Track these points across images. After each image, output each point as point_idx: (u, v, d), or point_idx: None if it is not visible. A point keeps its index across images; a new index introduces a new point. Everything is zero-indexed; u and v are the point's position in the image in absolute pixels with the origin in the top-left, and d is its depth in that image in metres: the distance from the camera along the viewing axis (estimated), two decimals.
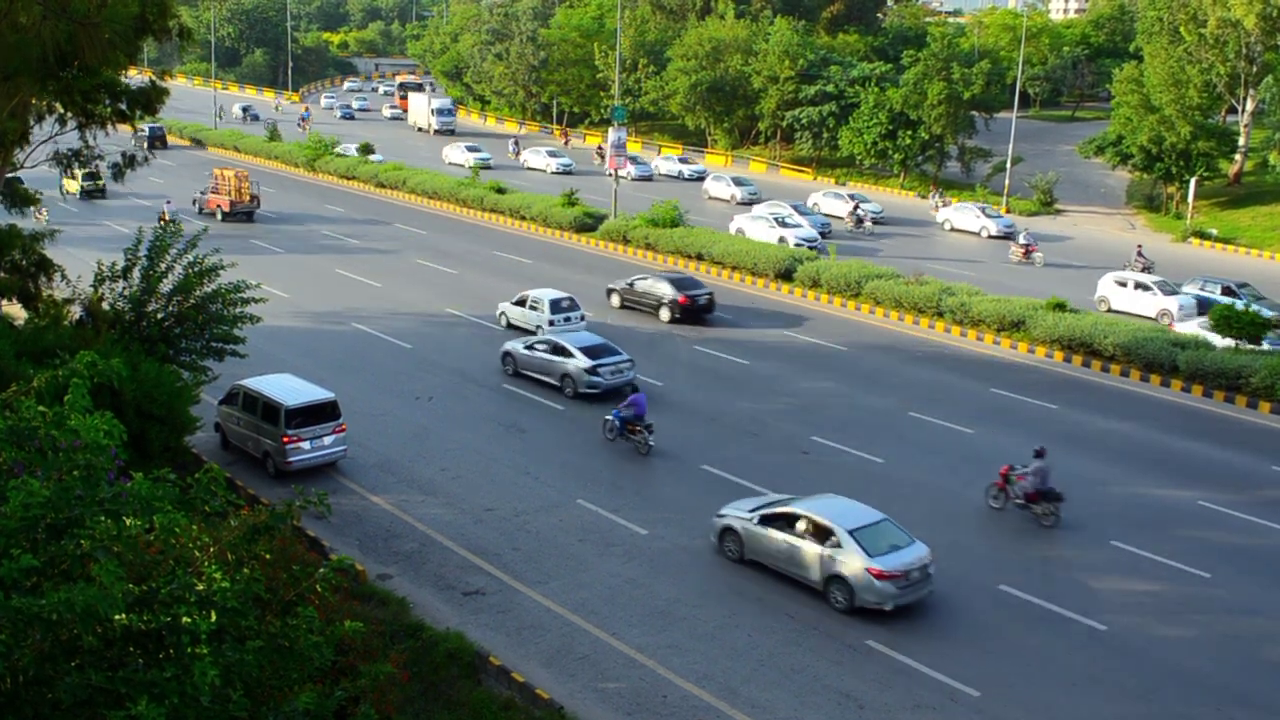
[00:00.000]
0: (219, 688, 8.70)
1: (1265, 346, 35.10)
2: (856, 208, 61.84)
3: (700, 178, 77.85)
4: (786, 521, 21.59)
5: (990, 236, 60.65)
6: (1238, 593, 21.96)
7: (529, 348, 33.07)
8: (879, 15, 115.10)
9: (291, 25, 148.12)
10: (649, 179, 79.28)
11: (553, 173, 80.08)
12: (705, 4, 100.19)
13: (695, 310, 40.38)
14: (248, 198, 56.76)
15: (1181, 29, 68.93)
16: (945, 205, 65.94)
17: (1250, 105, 69.60)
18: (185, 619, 8.93)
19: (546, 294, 38.06)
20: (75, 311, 25.70)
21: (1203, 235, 60.49)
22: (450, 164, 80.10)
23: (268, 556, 10.86)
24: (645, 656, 19.04)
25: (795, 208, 58.71)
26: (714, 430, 29.69)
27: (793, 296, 44.79)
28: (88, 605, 8.32)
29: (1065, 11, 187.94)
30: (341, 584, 13.36)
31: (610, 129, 59.00)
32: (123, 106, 25.18)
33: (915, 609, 20.68)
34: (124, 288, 26.60)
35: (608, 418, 28.73)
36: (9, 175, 26.19)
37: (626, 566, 22.17)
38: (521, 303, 38.13)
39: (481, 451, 27.81)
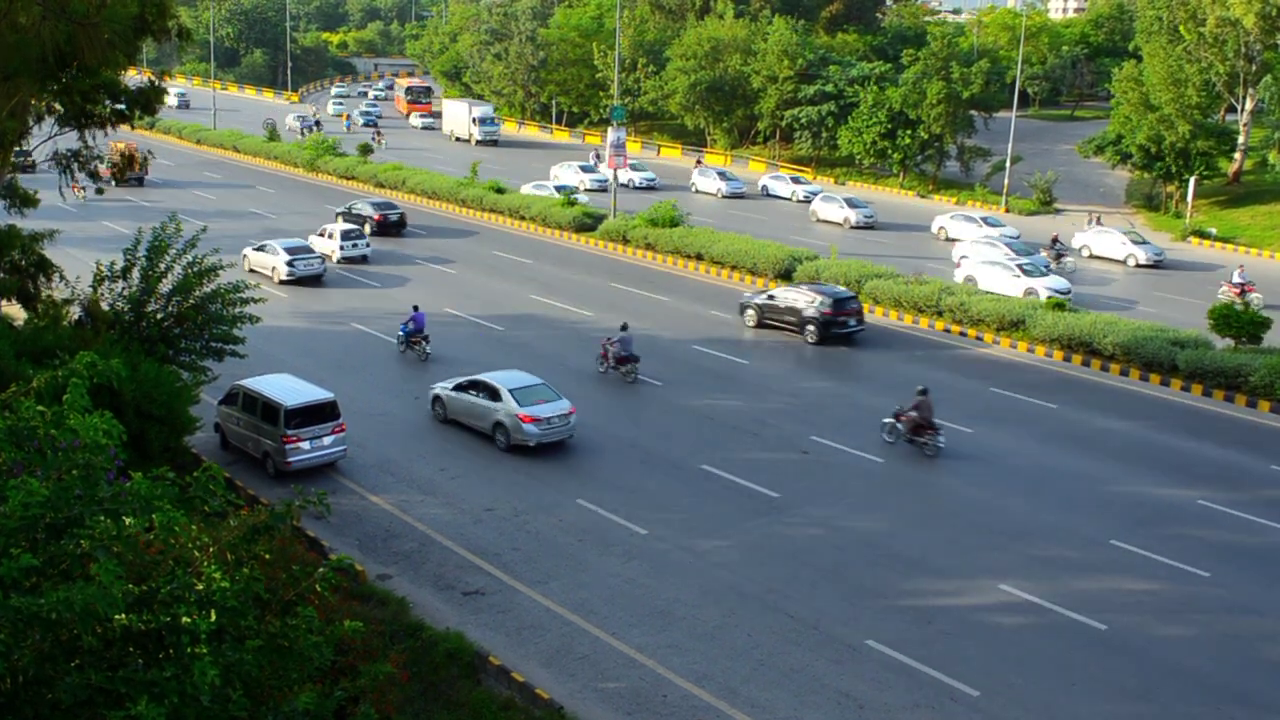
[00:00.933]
0: (219, 687, 8.70)
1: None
2: (1055, 241, 52.73)
3: (807, 199, 68.56)
4: (473, 387, 28.64)
5: (1138, 265, 53.43)
6: (1237, 592, 21.97)
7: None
8: (878, 14, 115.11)
9: (290, 25, 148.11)
10: (740, 196, 71.14)
11: (724, 196, 70.70)
12: (704, 3, 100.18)
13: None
14: (137, 166, 58.69)
15: (1181, 28, 68.97)
16: (1096, 225, 57.99)
17: (1249, 104, 69.61)
18: (185, 619, 8.93)
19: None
20: (74, 312, 25.71)
21: (1202, 234, 60.50)
22: (562, 188, 64.05)
23: (267, 556, 10.85)
24: (645, 656, 19.04)
25: (1008, 243, 49.89)
26: (713, 430, 29.69)
27: None
28: (87, 605, 8.31)
29: (1064, 10, 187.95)
30: (341, 584, 13.37)
31: (609, 129, 58.99)
32: (122, 107, 25.19)
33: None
34: (123, 288, 26.60)
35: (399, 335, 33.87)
36: (8, 176, 26.18)
37: (626, 566, 22.17)
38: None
39: (481, 451, 27.81)
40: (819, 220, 63.21)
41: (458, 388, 29.03)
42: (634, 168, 73.05)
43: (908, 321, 41.12)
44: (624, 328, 33.51)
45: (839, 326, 36.06)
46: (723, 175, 73.15)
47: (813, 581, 21.74)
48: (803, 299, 37.54)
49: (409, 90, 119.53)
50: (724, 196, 70.77)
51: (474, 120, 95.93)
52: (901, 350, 37.83)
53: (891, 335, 39.78)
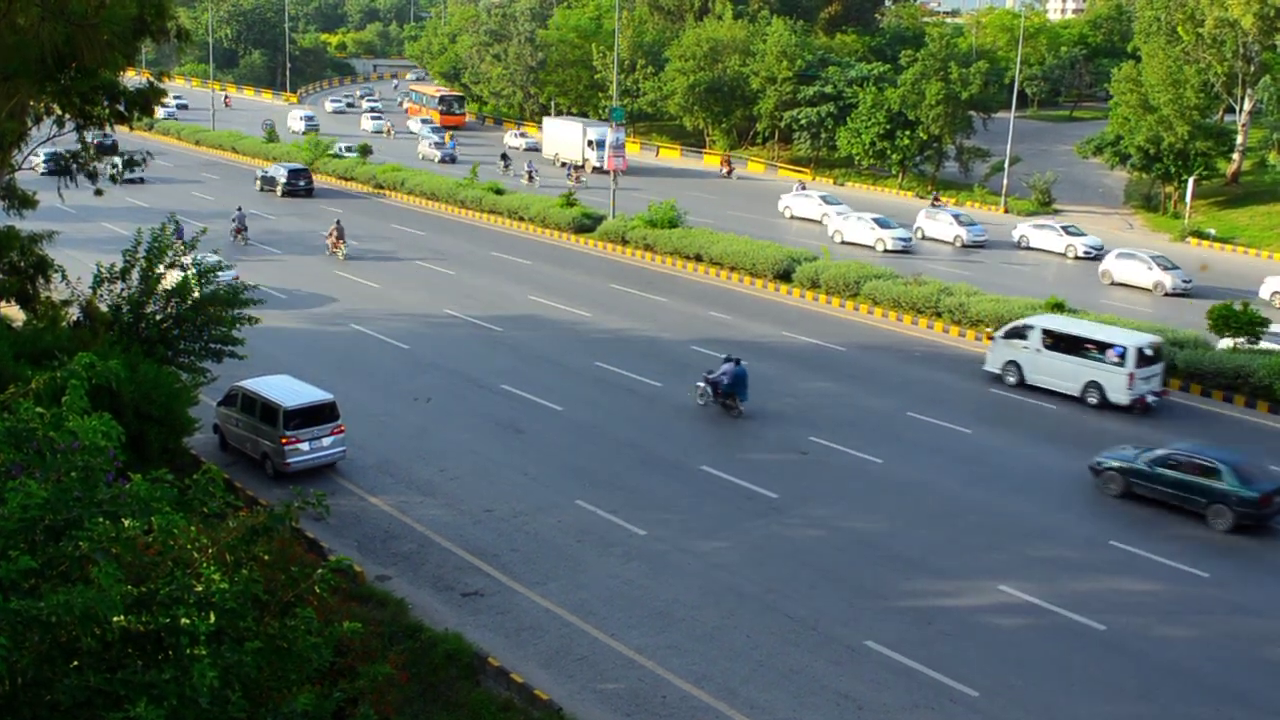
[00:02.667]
0: (218, 689, 8.70)
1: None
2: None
3: (1095, 255, 54.37)
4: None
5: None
6: (1237, 592, 21.98)
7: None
8: (877, 16, 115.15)
9: (289, 26, 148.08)
10: (982, 245, 57.23)
11: (964, 245, 57.09)
12: (703, 4, 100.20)
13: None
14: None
15: (1179, 29, 69.01)
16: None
17: (1248, 105, 69.66)
18: (184, 620, 8.93)
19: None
20: (73, 313, 25.69)
21: (1201, 235, 60.52)
22: (850, 242, 56.02)
23: (266, 558, 10.85)
24: (644, 657, 19.04)
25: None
26: (712, 431, 29.68)
27: (791, 297, 44.80)
28: (86, 607, 8.32)
29: (1063, 11, 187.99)
30: (340, 585, 13.36)
31: (608, 129, 58.99)
32: (121, 108, 25.18)
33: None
34: (122, 289, 26.59)
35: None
36: (6, 177, 26.16)
37: (625, 567, 22.17)
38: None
39: (480, 452, 27.81)
40: (1115, 283, 49.63)
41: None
42: (826, 200, 63.16)
43: (906, 322, 41.12)
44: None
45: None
46: (959, 219, 59.02)
47: (812, 582, 21.74)
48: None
49: (443, 100, 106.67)
50: (964, 245, 56.82)
51: (591, 143, 79.87)
52: (900, 350, 37.82)
53: (890, 335, 39.78)
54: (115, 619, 8.70)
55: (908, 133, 72.57)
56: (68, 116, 25.10)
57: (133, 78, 28.15)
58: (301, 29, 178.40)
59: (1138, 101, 65.17)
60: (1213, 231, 60.84)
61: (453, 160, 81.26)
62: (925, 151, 74.55)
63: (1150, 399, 32.13)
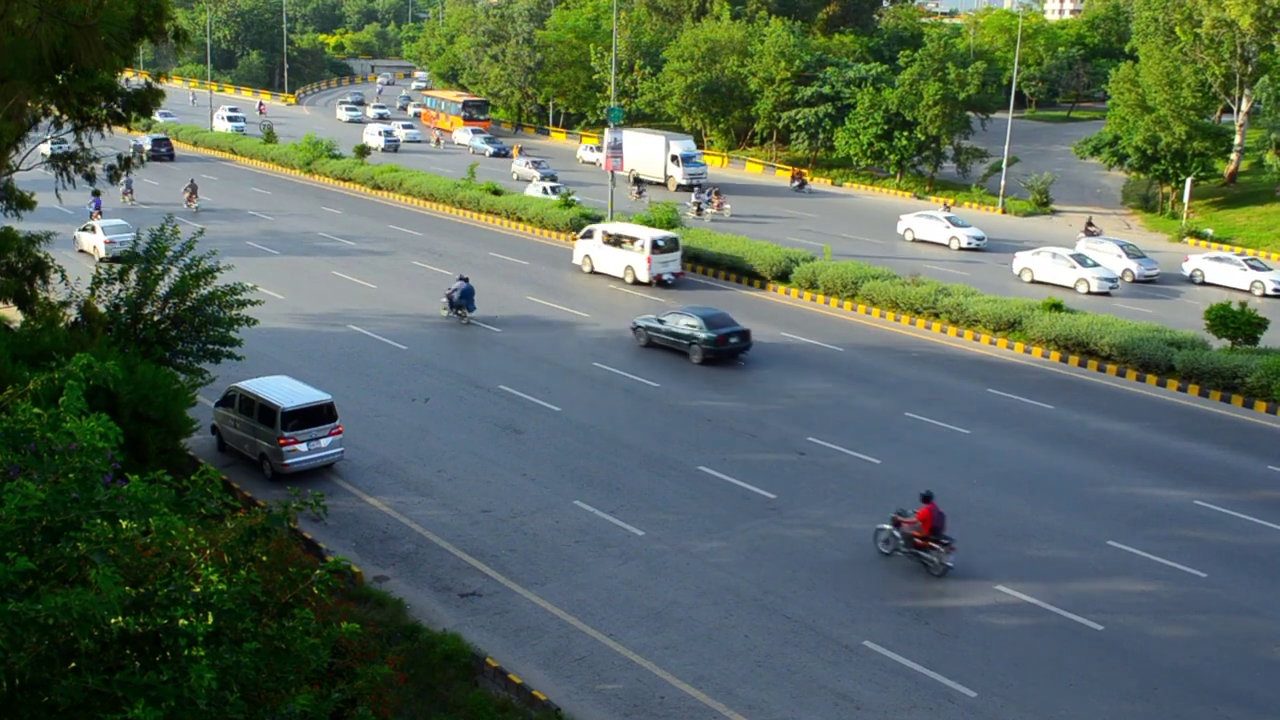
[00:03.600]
0: (216, 690, 8.70)
1: None
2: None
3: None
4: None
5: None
6: (1234, 592, 22.00)
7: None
8: (875, 16, 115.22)
9: (288, 27, 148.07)
10: (1151, 280, 50.38)
11: (1135, 280, 49.91)
12: (701, 5, 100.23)
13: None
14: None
15: (1177, 29, 69.06)
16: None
17: (1245, 105, 69.71)
18: (182, 621, 8.92)
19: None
20: (71, 314, 25.68)
21: (1198, 235, 60.55)
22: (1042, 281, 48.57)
23: (264, 559, 10.86)
24: (642, 657, 19.04)
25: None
26: (710, 431, 29.69)
27: (789, 297, 44.81)
28: (84, 608, 8.31)
29: (1061, 12, 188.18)
30: (338, 586, 13.35)
31: (606, 130, 59.00)
32: (119, 109, 25.17)
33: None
34: (121, 290, 26.59)
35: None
36: (4, 178, 26.15)
37: (623, 568, 22.17)
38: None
39: (478, 453, 27.81)
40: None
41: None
42: (954, 222, 57.95)
43: (904, 322, 41.14)
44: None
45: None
46: (1128, 250, 51.36)
47: (810, 582, 21.75)
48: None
49: (466, 105, 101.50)
50: (1135, 281, 50.28)
51: (674, 158, 73.57)
52: (898, 351, 37.84)
53: (888, 336, 39.80)
54: (113, 620, 8.69)
55: (905, 133, 72.61)
56: (65, 117, 25.09)
57: (130, 78, 28.15)
58: (299, 30, 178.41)
59: (1135, 102, 65.22)
60: (1210, 231, 60.87)
61: (554, 181, 67.75)
62: (923, 152, 74.60)
63: (667, 277, 45.26)
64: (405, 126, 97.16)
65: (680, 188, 72.53)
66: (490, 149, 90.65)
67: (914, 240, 58.13)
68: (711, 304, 39.90)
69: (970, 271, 49.95)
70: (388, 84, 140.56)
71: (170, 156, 77.73)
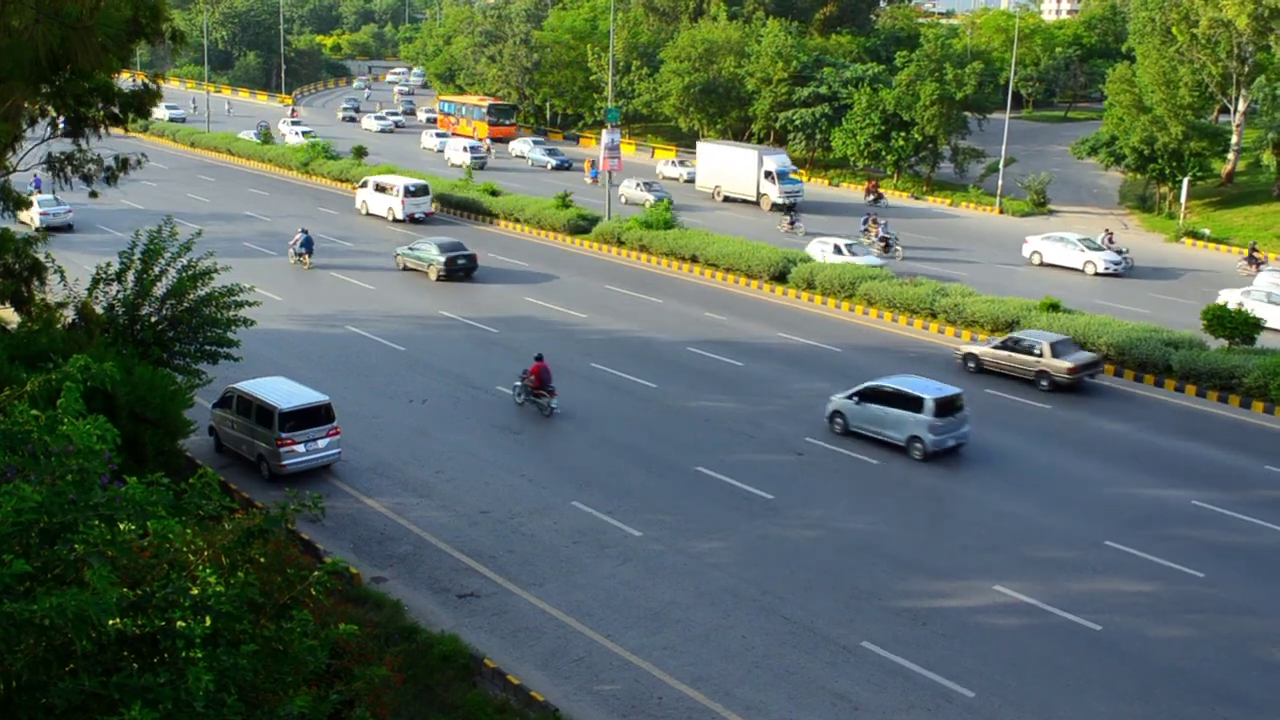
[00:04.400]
0: (213, 692, 8.69)
1: None
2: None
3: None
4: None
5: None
6: (1232, 592, 22.01)
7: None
8: (872, 16, 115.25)
9: (284, 28, 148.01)
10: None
11: None
12: (698, 6, 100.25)
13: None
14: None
15: (1174, 29, 69.10)
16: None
17: (1242, 105, 69.78)
18: (179, 623, 8.92)
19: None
20: (68, 315, 25.65)
21: (1196, 235, 60.60)
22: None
23: (262, 560, 10.84)
24: (640, 658, 19.04)
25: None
26: (708, 432, 29.69)
27: (786, 298, 44.82)
28: (81, 610, 8.30)
29: (1058, 12, 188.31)
30: (336, 587, 13.35)
31: (604, 131, 59.00)
32: (115, 110, 25.14)
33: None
34: (118, 291, 26.57)
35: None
36: (1, 179, 26.11)
37: (621, 568, 22.17)
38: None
39: (476, 454, 27.80)
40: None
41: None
42: (1089, 245, 52.57)
43: (902, 323, 41.15)
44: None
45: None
46: None
47: (808, 583, 21.75)
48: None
49: (492, 109, 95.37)
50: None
51: (769, 175, 65.81)
52: (896, 351, 37.84)
53: (886, 336, 39.82)
54: (110, 622, 8.68)
55: (903, 134, 72.62)
56: (62, 119, 25.05)
57: (127, 79, 28.13)
58: (296, 31, 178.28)
59: (1132, 102, 65.26)
60: (1208, 231, 60.93)
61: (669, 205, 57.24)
62: (920, 152, 74.59)
63: (419, 215, 57.50)
64: (439, 135, 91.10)
65: (775, 207, 64.83)
66: (552, 161, 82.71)
67: (1041, 264, 52.66)
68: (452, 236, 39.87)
69: (1111, 300, 45.37)
70: (366, 88, 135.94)
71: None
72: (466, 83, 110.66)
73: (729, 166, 68.85)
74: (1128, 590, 21.96)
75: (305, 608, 10.52)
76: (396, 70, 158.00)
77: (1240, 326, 35.55)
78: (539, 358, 30.67)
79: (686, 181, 74.04)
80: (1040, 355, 34.06)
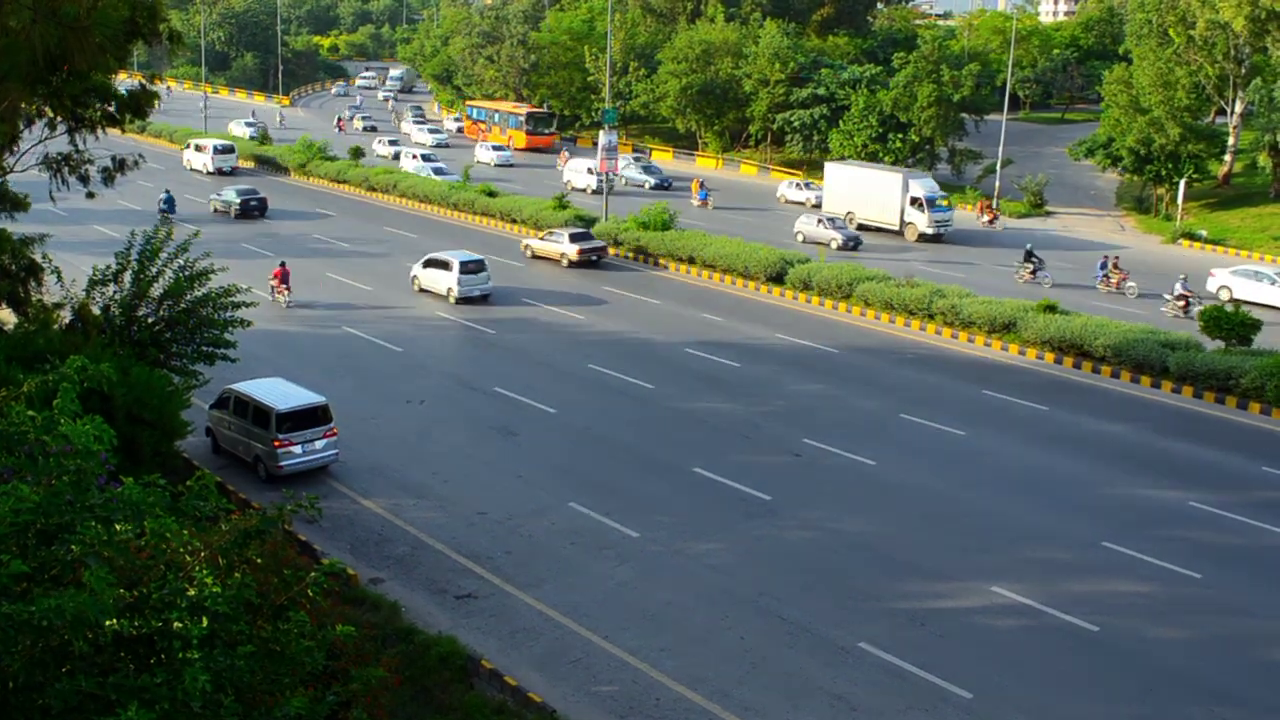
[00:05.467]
0: (210, 693, 8.69)
1: None
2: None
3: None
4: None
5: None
6: (1229, 593, 22.02)
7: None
8: (869, 18, 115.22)
9: (282, 29, 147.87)
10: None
11: None
12: (695, 7, 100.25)
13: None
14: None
15: (1170, 31, 69.19)
16: None
17: (1239, 107, 69.86)
18: (176, 624, 8.91)
19: None
20: (65, 316, 25.62)
21: (1192, 237, 60.65)
22: None
23: (259, 561, 10.84)
24: (638, 659, 19.03)
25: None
26: (706, 433, 29.69)
27: (784, 299, 44.83)
28: (78, 611, 8.30)
29: (1055, 14, 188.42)
30: (333, 588, 13.34)
31: (601, 132, 59.02)
32: (113, 110, 25.13)
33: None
34: (115, 292, 26.54)
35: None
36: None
37: (619, 569, 22.16)
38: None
39: (473, 455, 27.79)
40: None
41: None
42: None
43: (899, 324, 41.16)
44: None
45: None
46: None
47: (805, 584, 21.75)
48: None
49: (531, 117, 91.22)
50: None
51: (915, 201, 58.15)
52: (893, 352, 37.86)
53: (883, 337, 39.83)
54: (107, 623, 8.68)
55: (900, 135, 72.67)
56: (59, 119, 25.04)
57: (125, 80, 28.13)
58: (294, 32, 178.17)
59: (1129, 103, 65.31)
60: (1204, 233, 60.98)
61: (857, 245, 54.23)
62: (917, 154, 74.64)
63: (226, 169, 71.55)
64: (492, 150, 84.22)
65: (924, 238, 57.62)
66: (650, 179, 73.91)
67: (1231, 300, 44.84)
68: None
69: None
70: (343, 94, 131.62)
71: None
72: (464, 83, 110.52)
73: (865, 190, 60.29)
74: (1125, 591, 21.96)
75: (302, 609, 10.52)
76: (365, 74, 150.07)
77: (1237, 328, 35.57)
78: (283, 263, 40.95)
79: (814, 207, 65.08)
80: (560, 242, 48.88)
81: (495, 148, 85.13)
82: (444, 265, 42.82)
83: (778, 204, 68.93)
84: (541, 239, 50.93)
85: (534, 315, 41.13)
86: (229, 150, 74.07)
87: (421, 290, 43.57)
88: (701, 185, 69.47)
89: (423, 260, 44.25)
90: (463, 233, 57.32)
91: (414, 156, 75.56)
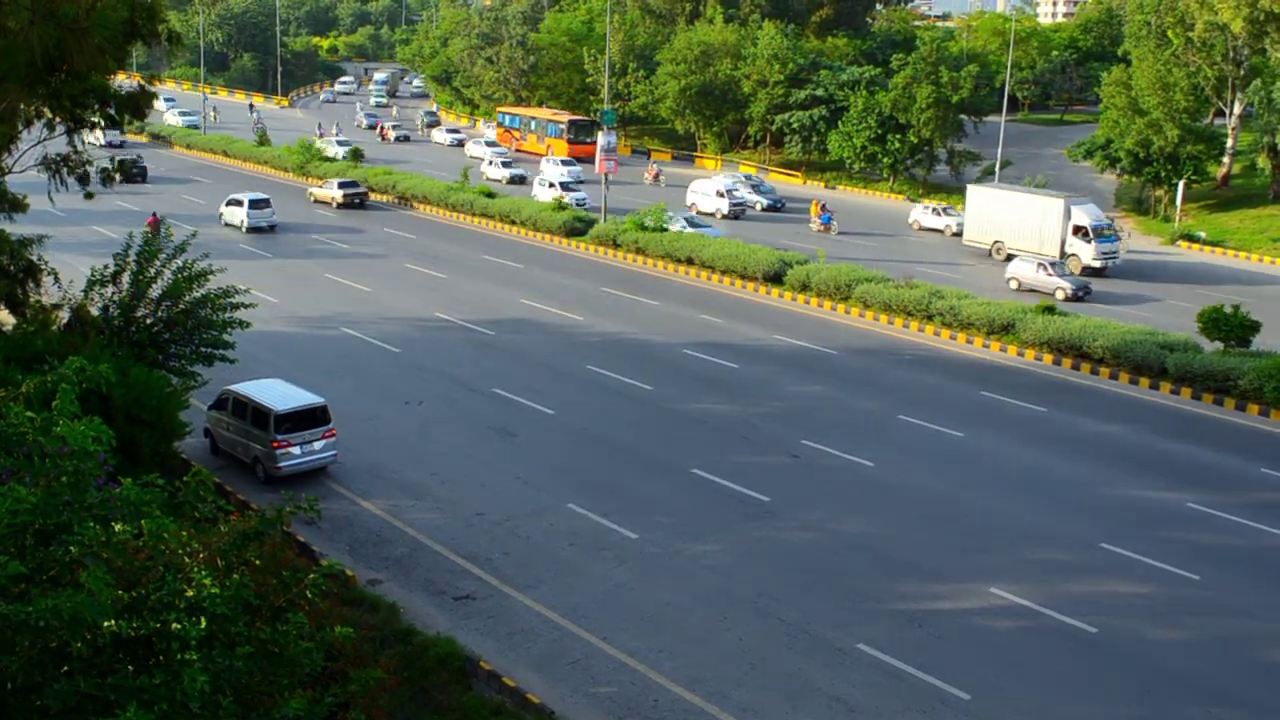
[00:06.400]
0: (208, 694, 8.68)
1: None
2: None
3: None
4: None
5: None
6: (1227, 595, 22.03)
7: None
8: (868, 19, 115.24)
9: (281, 30, 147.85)
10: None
11: None
12: (694, 8, 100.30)
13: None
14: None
15: (1169, 32, 69.22)
16: None
17: (1238, 108, 69.90)
18: (175, 625, 8.91)
19: None
20: (63, 317, 25.61)
21: (1191, 238, 60.69)
22: None
23: (257, 562, 10.84)
24: (636, 660, 19.03)
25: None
26: (704, 434, 29.69)
27: (782, 300, 44.84)
28: (76, 612, 8.30)
29: (1053, 15, 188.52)
30: (331, 589, 13.34)
31: (600, 133, 59.03)
32: (112, 111, 25.12)
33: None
34: (113, 293, 26.52)
35: None
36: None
37: (617, 570, 22.16)
38: None
39: (472, 456, 27.78)
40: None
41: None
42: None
43: (898, 325, 41.17)
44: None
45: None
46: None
47: (804, 585, 21.75)
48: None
49: (573, 124, 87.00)
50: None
51: (1078, 230, 51.52)
52: (891, 354, 37.88)
53: (882, 338, 39.84)
54: (106, 624, 8.68)
55: (899, 136, 72.68)
56: (58, 120, 25.03)
57: (123, 81, 28.12)
58: (293, 32, 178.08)
59: (1128, 105, 65.34)
60: (1203, 234, 61.02)
61: (1085, 296, 46.30)
62: (916, 155, 74.63)
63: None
64: (560, 164, 74.41)
65: (1088, 271, 50.86)
66: (762, 200, 66.79)
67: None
68: None
69: None
70: (331, 101, 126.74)
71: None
72: (463, 84, 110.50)
73: (1016, 217, 53.97)
74: (1123, 592, 21.97)
75: (301, 610, 10.52)
76: (344, 79, 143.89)
77: (1236, 329, 35.58)
78: (154, 214, 46.04)
79: (954, 235, 59.65)
80: (331, 189, 63.06)
81: (564, 162, 74.87)
82: (238, 203, 54.92)
83: (910, 230, 62.18)
84: (319, 187, 64.48)
85: (532, 316, 41.12)
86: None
87: (226, 225, 54.78)
88: (823, 208, 61.58)
89: (225, 200, 56.55)
90: (465, 233, 57.33)
91: (550, 185, 64.20)
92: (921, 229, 62.38)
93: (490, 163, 77.25)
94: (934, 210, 63.14)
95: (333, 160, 74.02)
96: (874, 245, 56.79)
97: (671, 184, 74.15)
